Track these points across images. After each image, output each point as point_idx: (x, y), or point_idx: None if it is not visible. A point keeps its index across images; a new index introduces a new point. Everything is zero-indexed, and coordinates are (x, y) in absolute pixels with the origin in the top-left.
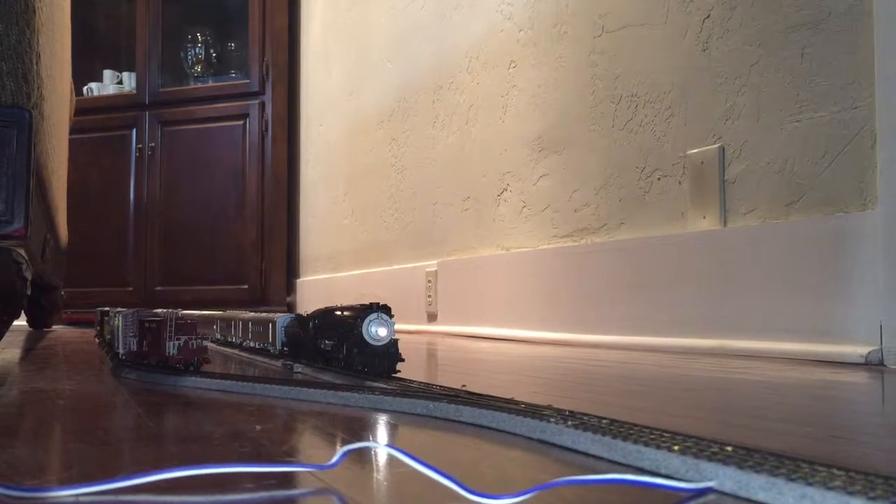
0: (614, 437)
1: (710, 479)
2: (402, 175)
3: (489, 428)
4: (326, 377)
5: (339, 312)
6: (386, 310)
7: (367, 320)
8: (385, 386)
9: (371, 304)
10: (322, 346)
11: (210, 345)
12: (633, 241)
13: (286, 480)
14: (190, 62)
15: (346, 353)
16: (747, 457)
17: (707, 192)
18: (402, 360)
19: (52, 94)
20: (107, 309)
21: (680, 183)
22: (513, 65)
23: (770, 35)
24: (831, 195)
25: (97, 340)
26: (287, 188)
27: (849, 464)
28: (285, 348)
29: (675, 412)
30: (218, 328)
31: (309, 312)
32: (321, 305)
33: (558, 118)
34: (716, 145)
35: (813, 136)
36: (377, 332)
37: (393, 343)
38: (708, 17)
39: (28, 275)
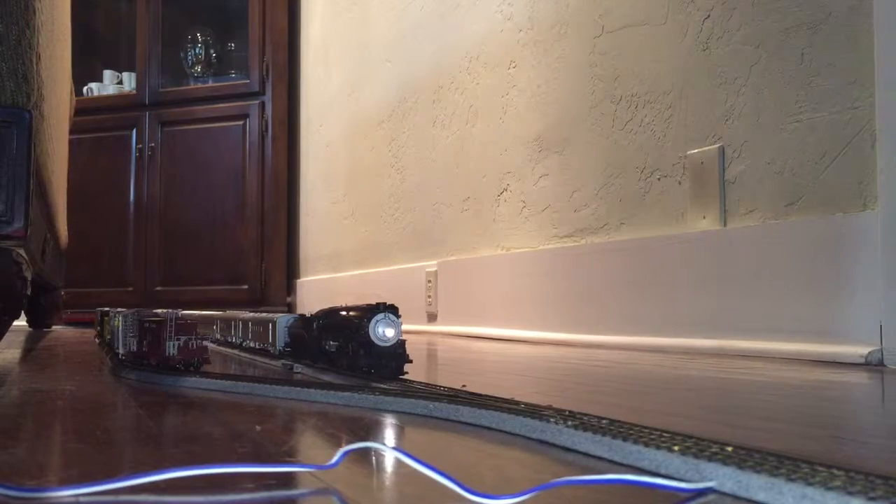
0: (614, 437)
1: (711, 480)
2: (402, 175)
3: (489, 428)
4: (329, 378)
5: (344, 312)
6: (393, 310)
7: (373, 320)
8: (385, 386)
9: (378, 303)
10: (326, 346)
11: (210, 345)
12: (633, 242)
13: (286, 480)
14: (190, 62)
15: (352, 354)
16: (747, 457)
17: (707, 193)
18: (410, 362)
19: (51, 95)
20: (107, 309)
21: (680, 183)
22: (513, 65)
23: (770, 35)
24: (831, 195)
25: (97, 341)
26: (287, 188)
27: (849, 464)
28: (288, 349)
29: (675, 412)
30: (218, 328)
31: (313, 313)
32: (321, 306)
33: (558, 118)
34: (716, 145)
35: (813, 136)
36: (384, 332)
37: (400, 344)
38: (708, 17)
39: (28, 275)
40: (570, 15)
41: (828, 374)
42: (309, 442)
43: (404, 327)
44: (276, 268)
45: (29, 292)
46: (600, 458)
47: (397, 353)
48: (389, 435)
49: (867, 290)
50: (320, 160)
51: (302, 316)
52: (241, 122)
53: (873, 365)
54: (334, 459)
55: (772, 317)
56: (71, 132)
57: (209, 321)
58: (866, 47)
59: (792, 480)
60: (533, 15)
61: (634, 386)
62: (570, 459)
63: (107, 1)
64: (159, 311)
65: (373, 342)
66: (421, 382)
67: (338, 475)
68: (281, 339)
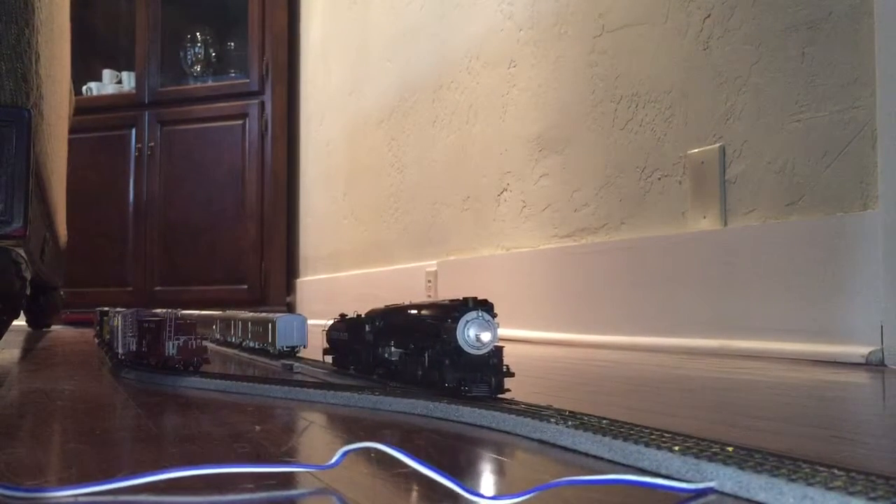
0: (615, 437)
1: (711, 480)
2: (402, 175)
3: (489, 428)
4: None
5: (415, 311)
6: (487, 307)
7: (463, 320)
8: (385, 386)
9: (465, 298)
10: (387, 354)
11: (209, 345)
12: (633, 241)
13: (286, 481)
14: (189, 61)
15: (429, 364)
16: (748, 457)
17: (707, 192)
18: (512, 375)
19: (51, 94)
20: (106, 309)
21: (680, 183)
22: (513, 64)
23: (771, 34)
24: (832, 195)
25: (96, 340)
26: (287, 188)
27: (850, 464)
28: (325, 357)
29: (675, 412)
30: (217, 328)
31: (360, 313)
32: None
33: (558, 118)
34: (716, 145)
35: (813, 135)
36: (478, 336)
37: (496, 352)
38: (708, 16)
39: (27, 275)
40: (570, 14)
41: (828, 374)
42: (309, 442)
43: None
44: (276, 267)
45: (28, 292)
46: (600, 459)
47: (492, 364)
48: (389, 435)
49: (868, 290)
50: (320, 159)
51: (344, 317)
52: (240, 122)
53: (874, 365)
54: (334, 459)
55: (772, 317)
56: (70, 131)
57: (209, 321)
58: (867, 46)
59: (793, 481)
60: (533, 14)
61: (634, 386)
62: (570, 460)
63: (106, 0)
64: (159, 310)
65: (462, 349)
66: (528, 403)
67: (337, 475)
68: (287, 340)
